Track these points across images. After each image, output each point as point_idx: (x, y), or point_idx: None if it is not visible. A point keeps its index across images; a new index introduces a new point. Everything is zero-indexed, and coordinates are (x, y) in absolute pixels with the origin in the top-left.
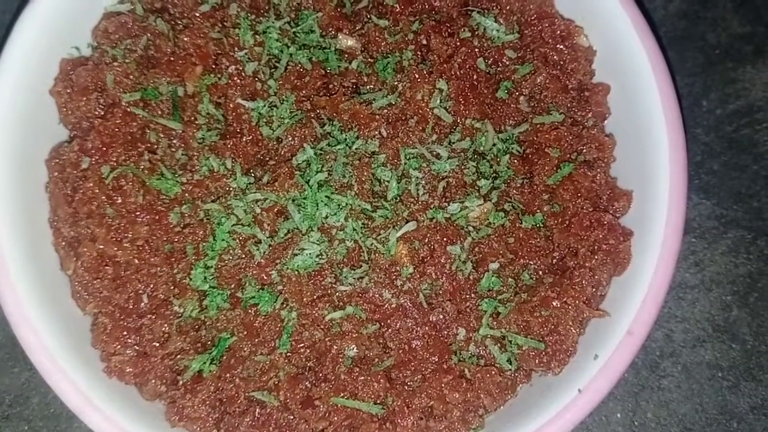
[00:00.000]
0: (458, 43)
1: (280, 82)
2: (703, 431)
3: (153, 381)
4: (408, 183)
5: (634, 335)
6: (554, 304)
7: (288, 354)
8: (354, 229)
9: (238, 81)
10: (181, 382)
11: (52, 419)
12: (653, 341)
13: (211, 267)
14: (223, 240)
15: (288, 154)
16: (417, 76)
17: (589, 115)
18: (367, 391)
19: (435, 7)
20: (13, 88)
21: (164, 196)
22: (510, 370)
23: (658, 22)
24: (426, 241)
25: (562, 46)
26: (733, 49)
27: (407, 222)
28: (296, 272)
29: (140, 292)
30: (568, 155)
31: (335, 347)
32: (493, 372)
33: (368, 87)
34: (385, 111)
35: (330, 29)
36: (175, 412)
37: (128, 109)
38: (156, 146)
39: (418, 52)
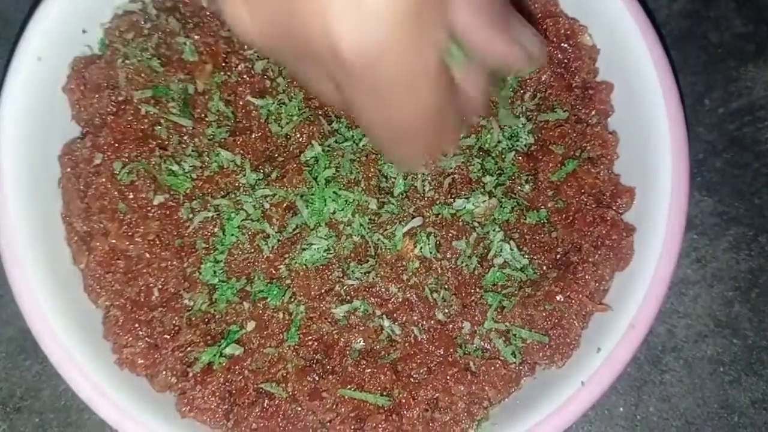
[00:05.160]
0: None
1: (289, 80)
2: (705, 425)
3: (164, 372)
4: (414, 179)
5: (636, 329)
6: (558, 298)
7: (296, 347)
8: (361, 225)
9: (248, 79)
10: (191, 374)
11: (63, 411)
12: (655, 336)
13: (221, 261)
14: (232, 235)
15: (296, 150)
16: None
17: (593, 113)
18: (373, 383)
19: None
20: (26, 86)
21: (175, 192)
22: (514, 363)
23: (662, 21)
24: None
25: (566, 45)
26: (735, 48)
27: (413, 217)
28: (304, 266)
29: (151, 285)
30: (572, 152)
31: (342, 340)
32: (497, 365)
33: None
34: None
35: None
36: (186, 403)
37: (140, 107)
38: (167, 143)
39: None
